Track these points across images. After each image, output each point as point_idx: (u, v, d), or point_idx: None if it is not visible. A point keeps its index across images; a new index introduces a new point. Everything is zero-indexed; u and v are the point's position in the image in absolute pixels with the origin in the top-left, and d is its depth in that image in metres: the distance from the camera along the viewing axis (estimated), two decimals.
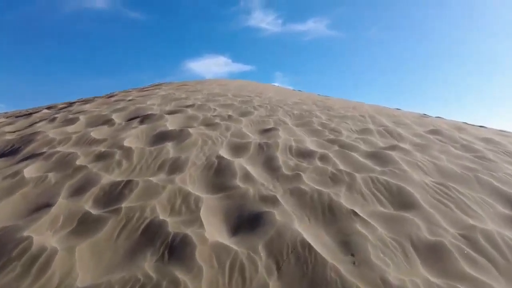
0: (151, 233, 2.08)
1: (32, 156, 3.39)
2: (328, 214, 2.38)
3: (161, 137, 3.92)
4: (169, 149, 3.50)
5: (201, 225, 2.14)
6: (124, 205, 2.37)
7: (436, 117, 7.54)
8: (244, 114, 5.43)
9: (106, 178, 2.82)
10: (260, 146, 3.71)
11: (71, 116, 5.10)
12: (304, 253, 1.92)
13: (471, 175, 3.26)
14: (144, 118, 4.78)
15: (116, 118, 4.89)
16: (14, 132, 4.55)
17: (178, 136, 3.92)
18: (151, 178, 2.78)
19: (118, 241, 2.04)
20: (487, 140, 4.76)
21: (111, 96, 7.42)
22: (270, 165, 3.21)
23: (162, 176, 2.90)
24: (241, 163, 3.19)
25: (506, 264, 1.98)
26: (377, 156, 3.60)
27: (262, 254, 1.90)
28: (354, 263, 1.88)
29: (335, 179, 2.94)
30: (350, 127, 4.96)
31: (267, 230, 2.10)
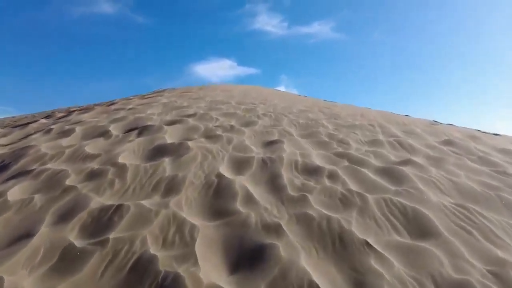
0: (140, 271, 1.84)
1: (20, 174, 3.18)
2: (338, 245, 2.13)
3: (159, 152, 3.69)
4: (166, 166, 3.27)
5: (196, 261, 1.89)
6: (112, 235, 2.14)
7: (446, 124, 7.25)
8: (248, 124, 5.20)
9: (96, 201, 2.59)
10: (263, 162, 3.47)
11: (67, 127, 4.90)
12: None
13: (492, 194, 2.99)
14: (143, 130, 4.56)
15: (114, 129, 4.68)
16: (7, 145, 4.36)
17: (176, 150, 3.69)
18: (143, 202, 2.55)
19: (102, 280, 1.81)
20: (505, 152, 4.48)
21: (111, 104, 7.23)
22: (274, 185, 2.96)
23: (156, 198, 2.67)
24: (243, 182, 2.95)
25: None
26: (389, 173, 3.34)
27: None
28: None
29: (345, 201, 2.69)
30: (359, 138, 4.70)
31: (270, 268, 1.86)
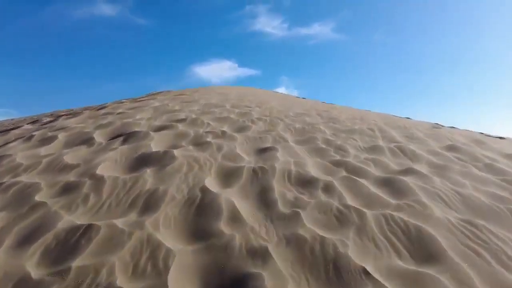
0: None
1: None
2: (332, 273, 1.87)
3: (142, 161, 3.44)
4: (147, 178, 3.00)
5: None
6: (75, 263, 1.88)
7: (449, 127, 7.00)
8: (240, 129, 4.94)
9: (65, 221, 2.34)
10: (254, 172, 3.21)
11: (50, 133, 4.65)
12: None
13: (503, 207, 2.73)
14: (128, 137, 4.30)
15: (98, 136, 4.42)
16: None
17: (161, 159, 3.43)
18: (117, 221, 2.29)
19: None
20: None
21: (101, 108, 6.98)
22: (264, 199, 2.70)
23: (132, 216, 2.40)
24: (230, 196, 2.69)
25: None
26: (390, 184, 3.08)
27: None
28: None
29: (341, 219, 2.43)
30: (357, 144, 4.45)
31: None
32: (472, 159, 4.09)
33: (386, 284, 1.79)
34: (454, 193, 2.96)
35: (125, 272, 1.83)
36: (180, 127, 4.86)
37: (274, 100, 9.23)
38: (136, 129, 4.64)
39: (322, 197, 2.74)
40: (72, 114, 6.50)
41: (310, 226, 2.29)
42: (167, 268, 1.85)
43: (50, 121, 5.85)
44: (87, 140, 4.25)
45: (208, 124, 5.16)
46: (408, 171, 3.42)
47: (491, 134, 6.56)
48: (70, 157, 3.60)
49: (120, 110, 6.31)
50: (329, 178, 3.11)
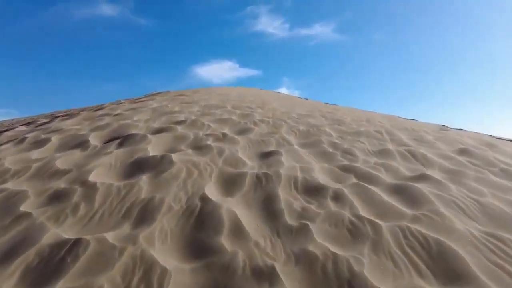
0: None
1: None
2: None
3: (138, 167, 3.22)
4: (143, 185, 2.79)
5: None
6: (59, 285, 1.67)
7: (457, 129, 6.78)
8: (242, 131, 4.72)
9: (51, 234, 2.12)
10: (257, 179, 3.00)
11: (43, 136, 4.44)
12: None
13: None
14: (125, 140, 4.09)
15: (93, 139, 4.21)
16: None
17: (158, 165, 3.22)
18: (108, 235, 2.07)
19: None
20: None
21: (99, 109, 6.76)
22: (269, 209, 2.49)
23: (125, 229, 2.19)
24: (231, 207, 2.47)
25: None
26: (403, 191, 2.87)
27: None
28: None
29: (354, 232, 2.21)
30: (366, 147, 4.23)
31: None
32: (486, 163, 3.87)
33: None
34: (472, 202, 2.75)
35: None
36: (179, 129, 4.65)
37: (276, 101, 9.01)
38: (133, 132, 4.43)
39: (332, 207, 2.53)
40: (69, 115, 6.29)
41: (320, 241, 2.07)
42: None
43: (45, 123, 5.64)
44: (82, 143, 4.04)
45: (209, 126, 4.95)
46: (421, 177, 3.20)
47: (494, 135, 6.35)
48: (62, 161, 3.38)
49: (118, 111, 6.09)
50: (338, 186, 2.89)
